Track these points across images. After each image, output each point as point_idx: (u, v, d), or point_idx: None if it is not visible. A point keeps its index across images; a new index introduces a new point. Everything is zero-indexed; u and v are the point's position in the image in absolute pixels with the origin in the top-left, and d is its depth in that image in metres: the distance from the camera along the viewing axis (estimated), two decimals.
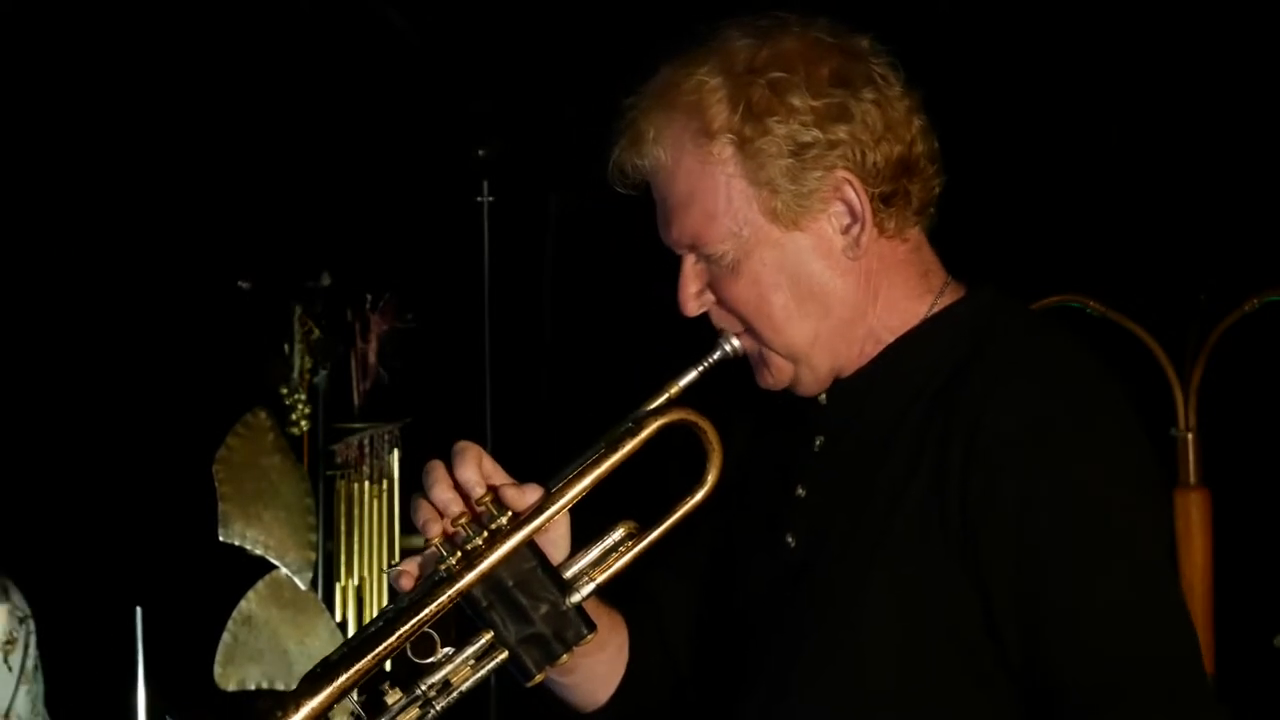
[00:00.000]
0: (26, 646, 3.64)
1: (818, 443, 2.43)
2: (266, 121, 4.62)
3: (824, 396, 2.43)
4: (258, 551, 4.62)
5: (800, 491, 2.41)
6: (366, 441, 4.63)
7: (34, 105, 4.49)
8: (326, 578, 4.67)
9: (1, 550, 3.74)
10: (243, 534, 4.62)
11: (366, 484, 4.65)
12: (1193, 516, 4.00)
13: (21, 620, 3.66)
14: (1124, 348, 3.97)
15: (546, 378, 4.54)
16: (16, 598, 3.68)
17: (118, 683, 4.10)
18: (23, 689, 3.63)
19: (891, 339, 2.40)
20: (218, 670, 4.57)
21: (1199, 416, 4.02)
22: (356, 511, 4.65)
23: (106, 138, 4.59)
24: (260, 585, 4.62)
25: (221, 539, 4.61)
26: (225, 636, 4.59)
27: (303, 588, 4.63)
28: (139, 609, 3.79)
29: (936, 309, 2.41)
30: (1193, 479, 4.02)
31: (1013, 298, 2.45)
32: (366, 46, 4.50)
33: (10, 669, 3.64)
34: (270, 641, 4.59)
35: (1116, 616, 2.21)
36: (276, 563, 4.63)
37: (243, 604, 4.61)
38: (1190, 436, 4.01)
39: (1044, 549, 2.23)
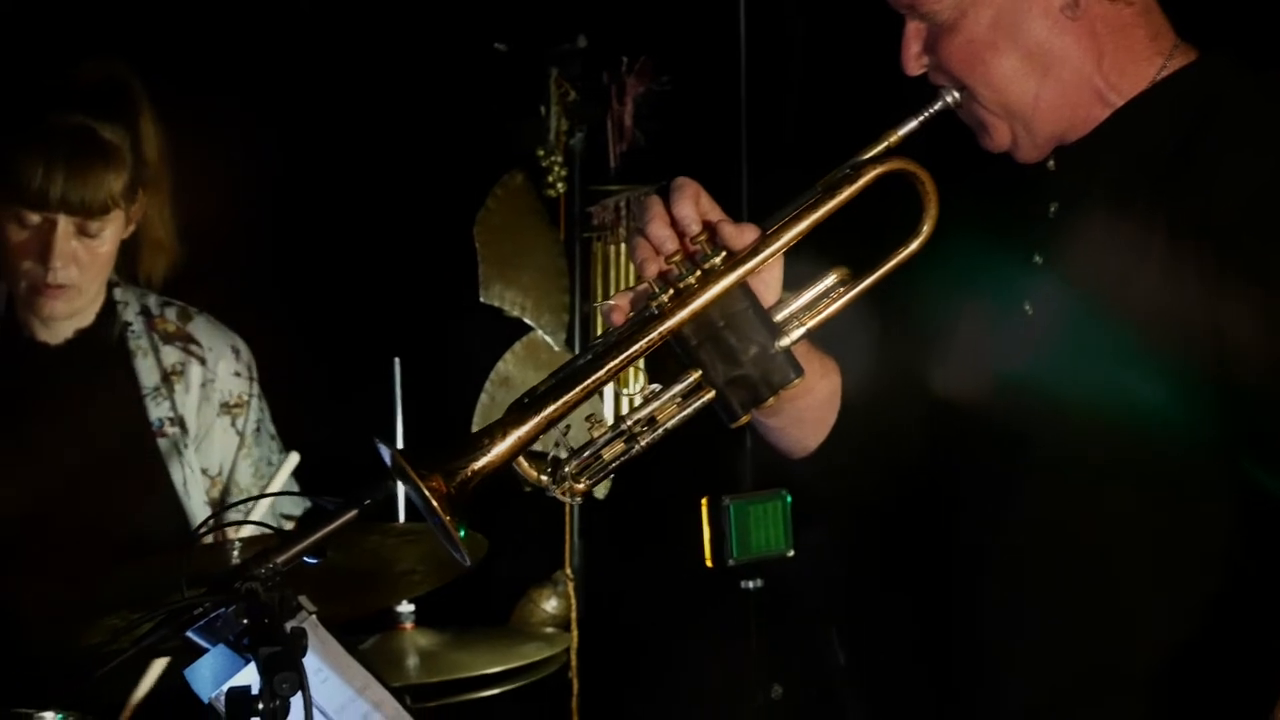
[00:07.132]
0: (251, 410, 3.67)
1: (1052, 209, 2.41)
2: None
3: (1053, 163, 2.43)
4: (514, 313, 4.65)
5: (1038, 259, 2.40)
6: (623, 203, 4.61)
7: None
8: (583, 339, 4.68)
9: (249, 312, 3.77)
10: (501, 295, 4.65)
11: (622, 246, 4.64)
12: None
13: (251, 381, 3.69)
14: None
15: (795, 119, 4.44)
16: (247, 357, 3.70)
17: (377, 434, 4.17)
18: (243, 455, 3.66)
19: (1121, 102, 2.37)
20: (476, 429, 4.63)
21: None
22: (612, 273, 4.64)
23: None
24: (517, 346, 4.66)
25: (481, 300, 4.65)
26: (483, 396, 4.64)
27: (557, 349, 4.66)
28: (397, 359, 3.82)
29: (1166, 72, 2.38)
30: None
31: (1247, 63, 2.40)
32: None
33: (237, 431, 3.67)
34: None
35: None
36: (532, 324, 4.66)
37: (500, 365, 4.65)
38: None
39: None
